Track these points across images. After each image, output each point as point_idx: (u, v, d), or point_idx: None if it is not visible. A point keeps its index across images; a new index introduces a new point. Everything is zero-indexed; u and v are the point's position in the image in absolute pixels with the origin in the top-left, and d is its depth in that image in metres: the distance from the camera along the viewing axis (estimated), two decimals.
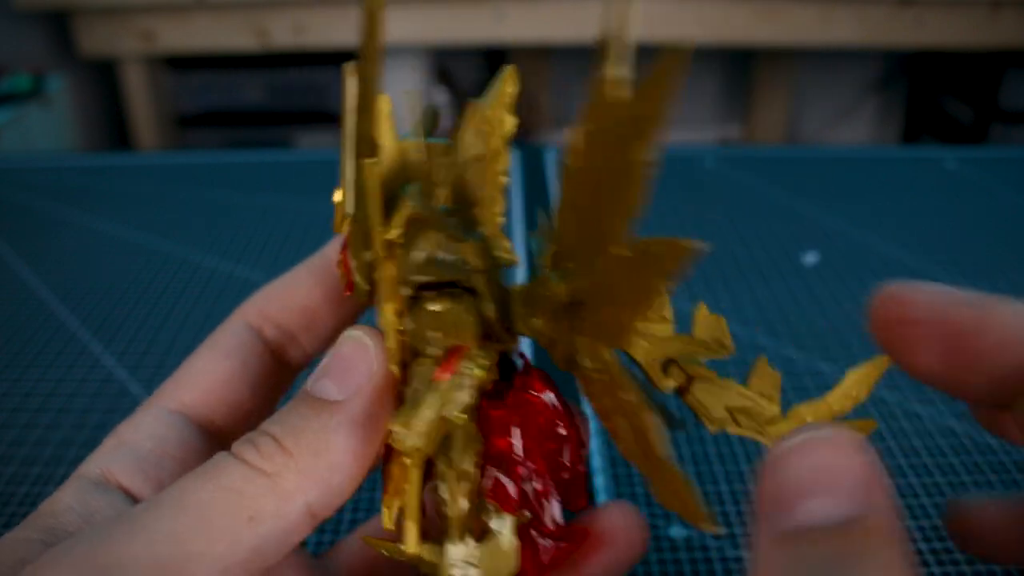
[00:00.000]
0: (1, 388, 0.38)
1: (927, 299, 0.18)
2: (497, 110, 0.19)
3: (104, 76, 1.75)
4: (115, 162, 0.66)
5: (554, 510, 0.19)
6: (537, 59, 1.85)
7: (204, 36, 1.59)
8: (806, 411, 0.19)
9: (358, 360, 0.18)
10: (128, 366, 0.40)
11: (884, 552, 0.14)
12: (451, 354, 0.18)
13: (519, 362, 0.20)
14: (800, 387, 0.37)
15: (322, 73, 1.75)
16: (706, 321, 0.19)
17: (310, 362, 0.23)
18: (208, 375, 0.22)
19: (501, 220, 0.20)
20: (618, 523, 0.20)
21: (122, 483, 0.19)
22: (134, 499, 0.19)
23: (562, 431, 0.19)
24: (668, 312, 0.19)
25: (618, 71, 0.15)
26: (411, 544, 0.18)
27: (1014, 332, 0.17)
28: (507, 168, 0.19)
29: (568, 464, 0.19)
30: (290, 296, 0.23)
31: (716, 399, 0.19)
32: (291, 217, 0.54)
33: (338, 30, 1.57)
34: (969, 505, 0.21)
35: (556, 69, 1.84)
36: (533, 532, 0.18)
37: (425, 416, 0.17)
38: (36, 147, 1.44)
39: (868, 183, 0.60)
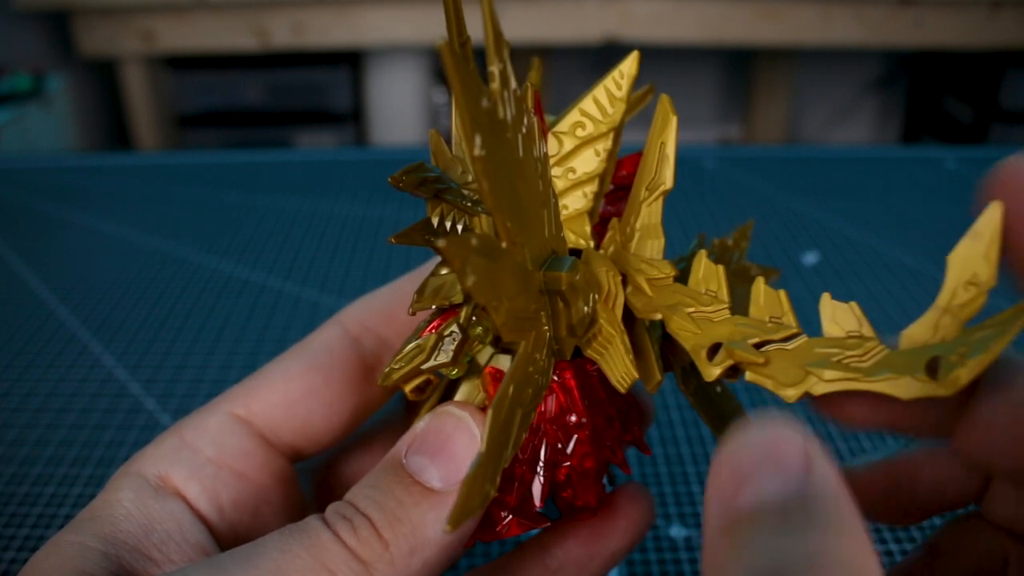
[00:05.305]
0: (1, 388, 0.38)
1: None
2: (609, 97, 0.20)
3: (104, 76, 1.75)
4: (115, 162, 0.66)
5: (534, 489, 0.19)
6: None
7: (204, 36, 1.59)
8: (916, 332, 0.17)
9: (461, 445, 0.17)
10: (128, 366, 0.40)
11: (830, 517, 0.13)
12: (442, 315, 0.18)
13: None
14: None
15: (322, 73, 1.75)
16: (763, 298, 0.18)
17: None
18: (282, 387, 0.21)
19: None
20: (631, 497, 0.20)
21: (179, 489, 0.19)
22: (190, 507, 0.19)
23: (572, 419, 0.19)
24: (725, 293, 0.18)
25: None
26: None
27: None
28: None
29: (570, 455, 0.19)
30: (394, 306, 0.21)
31: (787, 364, 0.17)
32: (291, 217, 0.54)
33: (338, 30, 1.57)
34: (851, 472, 0.20)
35: (556, 69, 1.84)
36: (495, 501, 0.18)
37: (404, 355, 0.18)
38: (36, 147, 1.44)
39: (868, 183, 0.60)
